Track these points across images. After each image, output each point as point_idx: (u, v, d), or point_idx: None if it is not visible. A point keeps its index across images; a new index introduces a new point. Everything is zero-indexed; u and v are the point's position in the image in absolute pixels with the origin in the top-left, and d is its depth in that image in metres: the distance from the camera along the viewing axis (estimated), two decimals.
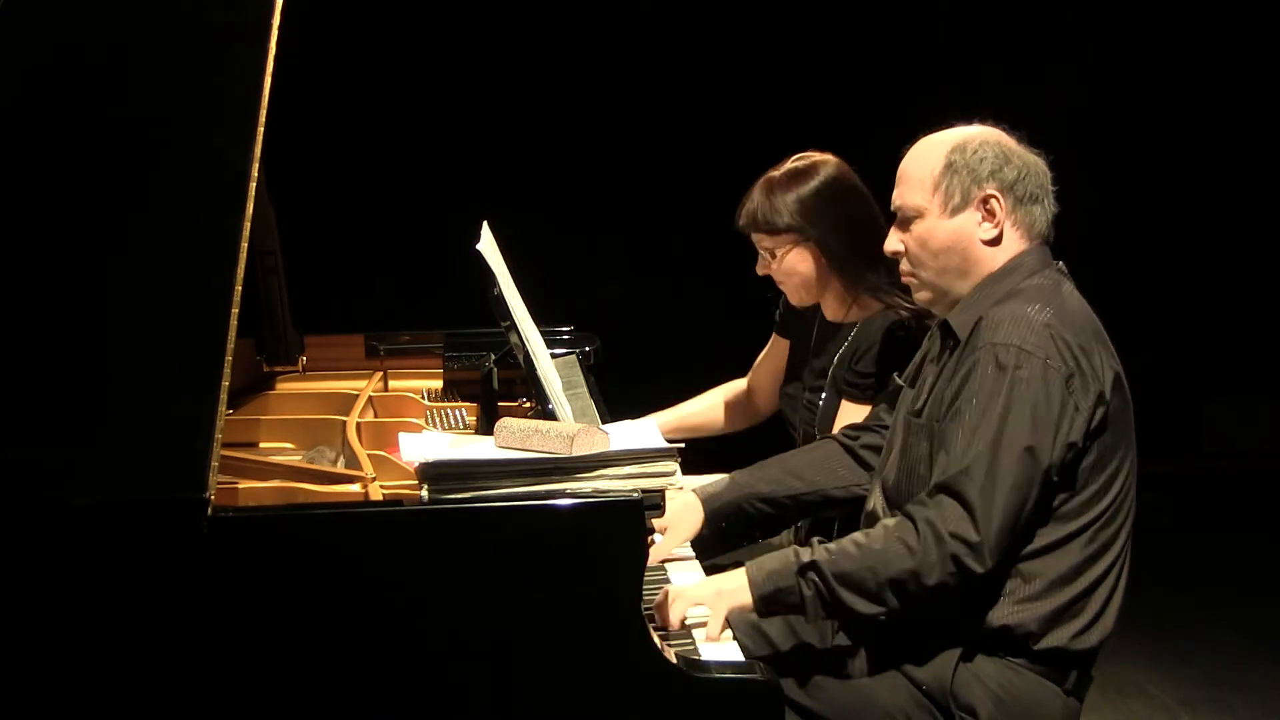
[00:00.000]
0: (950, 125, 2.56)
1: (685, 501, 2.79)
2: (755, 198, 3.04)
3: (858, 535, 2.38)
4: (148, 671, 2.02)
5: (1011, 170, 2.48)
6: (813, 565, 2.35)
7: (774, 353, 3.40)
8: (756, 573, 2.39)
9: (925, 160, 2.52)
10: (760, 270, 3.10)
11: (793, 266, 3.04)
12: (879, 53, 5.93)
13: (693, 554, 2.81)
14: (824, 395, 3.10)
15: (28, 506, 2.00)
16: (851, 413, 3.00)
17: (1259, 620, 4.84)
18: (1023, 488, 2.31)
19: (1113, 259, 5.67)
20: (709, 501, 2.80)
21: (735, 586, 2.40)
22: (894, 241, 2.57)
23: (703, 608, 2.41)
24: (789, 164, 3.05)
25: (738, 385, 3.51)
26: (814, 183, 3.00)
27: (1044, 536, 2.38)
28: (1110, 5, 6.04)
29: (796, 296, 3.11)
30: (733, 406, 3.51)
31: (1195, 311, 6.22)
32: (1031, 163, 2.52)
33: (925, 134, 2.57)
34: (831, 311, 3.12)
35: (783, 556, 2.40)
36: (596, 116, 5.82)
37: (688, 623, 2.41)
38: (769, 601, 2.38)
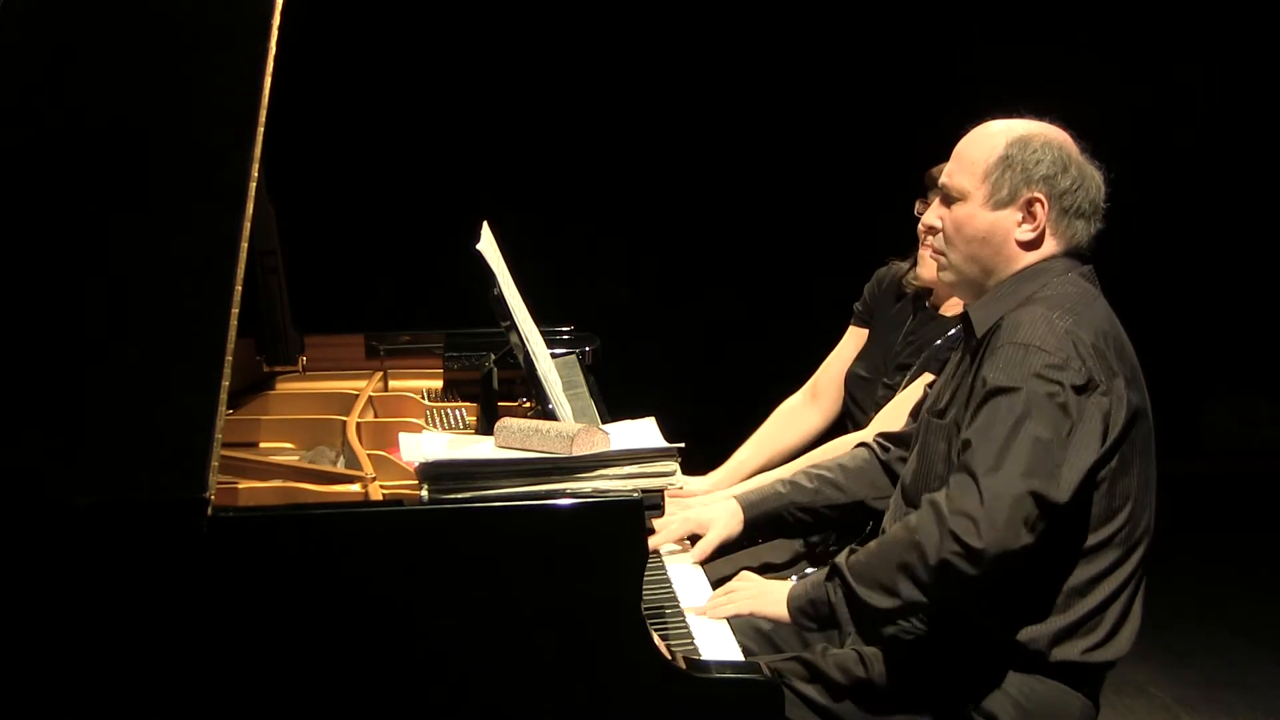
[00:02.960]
0: (1020, 115, 2.50)
1: (729, 507, 2.83)
2: None
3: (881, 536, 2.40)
4: (148, 671, 2.02)
5: (1066, 179, 2.44)
6: (835, 569, 2.37)
7: (852, 345, 3.39)
8: (797, 585, 2.44)
9: (983, 145, 2.47)
10: (933, 221, 3.05)
11: None
12: (879, 53, 5.93)
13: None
14: (909, 376, 3.10)
15: (28, 506, 2.00)
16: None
17: (1259, 620, 4.84)
18: (1034, 476, 2.24)
19: (1112, 259, 5.68)
20: (750, 509, 2.84)
21: (776, 593, 2.45)
22: (932, 216, 2.54)
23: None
24: None
25: (792, 402, 3.47)
26: None
27: (1060, 546, 2.35)
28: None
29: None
30: (799, 422, 3.43)
31: (1195, 311, 6.22)
32: (1089, 176, 2.47)
33: (991, 118, 2.51)
34: (956, 302, 3.09)
35: (819, 573, 2.43)
36: (596, 116, 5.83)
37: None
38: (802, 611, 2.40)
